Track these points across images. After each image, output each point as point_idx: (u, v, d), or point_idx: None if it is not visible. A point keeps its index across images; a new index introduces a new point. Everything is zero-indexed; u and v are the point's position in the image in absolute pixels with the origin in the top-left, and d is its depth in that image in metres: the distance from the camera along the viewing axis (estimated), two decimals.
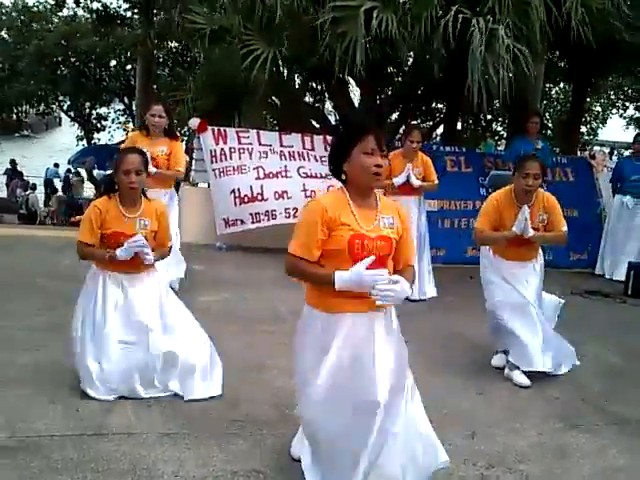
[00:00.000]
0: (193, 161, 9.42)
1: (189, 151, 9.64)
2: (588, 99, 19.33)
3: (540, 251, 4.62)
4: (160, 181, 5.84)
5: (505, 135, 16.10)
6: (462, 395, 4.23)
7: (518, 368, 4.48)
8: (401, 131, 8.59)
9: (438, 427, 3.43)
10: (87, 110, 25.96)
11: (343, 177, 2.82)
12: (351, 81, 10.62)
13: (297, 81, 11.29)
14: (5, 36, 24.63)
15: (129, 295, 3.87)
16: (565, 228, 4.45)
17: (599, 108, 25.36)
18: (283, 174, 8.52)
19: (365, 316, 2.76)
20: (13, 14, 24.56)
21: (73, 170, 19.82)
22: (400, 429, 2.77)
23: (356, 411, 2.69)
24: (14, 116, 23.78)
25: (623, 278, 8.03)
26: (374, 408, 2.67)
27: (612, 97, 24.75)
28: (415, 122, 7.94)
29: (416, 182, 6.42)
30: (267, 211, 8.43)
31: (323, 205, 2.73)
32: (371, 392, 2.69)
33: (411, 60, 9.97)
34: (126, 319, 3.84)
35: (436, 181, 6.67)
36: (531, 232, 4.21)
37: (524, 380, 4.43)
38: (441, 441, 3.09)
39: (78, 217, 15.70)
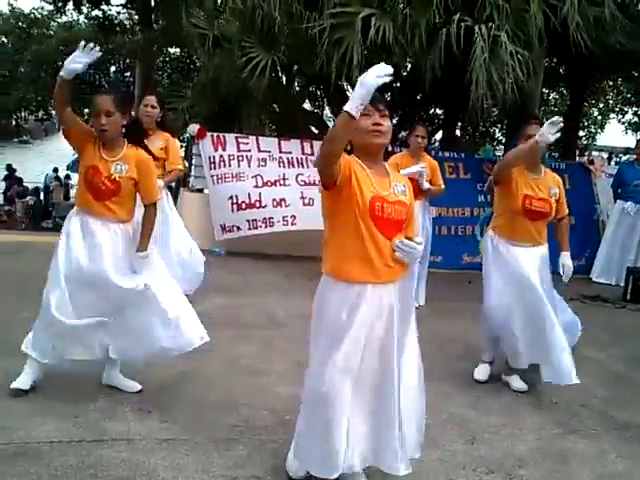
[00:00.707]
0: (192, 167, 9.44)
1: (188, 157, 9.66)
2: (586, 104, 19.39)
3: (546, 249, 4.47)
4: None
5: (504, 140, 16.14)
6: (461, 400, 4.23)
7: (515, 372, 4.46)
8: (399, 136, 8.63)
9: (437, 432, 3.45)
10: (86, 116, 26.00)
11: (348, 147, 2.81)
12: (349, 88, 10.66)
13: (296, 87, 11.32)
14: (4, 40, 24.69)
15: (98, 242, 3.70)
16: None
17: (597, 113, 25.41)
18: (281, 182, 8.54)
19: (384, 288, 2.78)
20: (12, 20, 24.61)
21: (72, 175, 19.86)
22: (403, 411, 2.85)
23: (370, 390, 2.77)
24: (13, 122, 23.76)
25: (622, 283, 8.05)
26: (390, 391, 2.77)
27: (610, 102, 24.80)
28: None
29: (425, 184, 6.15)
30: (265, 218, 8.45)
31: (348, 161, 2.72)
32: (389, 374, 2.78)
33: (409, 66, 10.01)
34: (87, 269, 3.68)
35: (442, 185, 6.53)
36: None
37: (521, 385, 4.42)
38: (440, 446, 3.10)
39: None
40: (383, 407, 2.80)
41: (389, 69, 2.45)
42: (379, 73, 2.44)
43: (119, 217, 3.78)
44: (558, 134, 3.86)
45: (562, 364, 4.15)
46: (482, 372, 4.58)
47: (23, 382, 3.73)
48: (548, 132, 3.84)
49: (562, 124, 3.84)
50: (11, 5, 24.34)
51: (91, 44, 3.49)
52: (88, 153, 3.71)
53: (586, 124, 24.05)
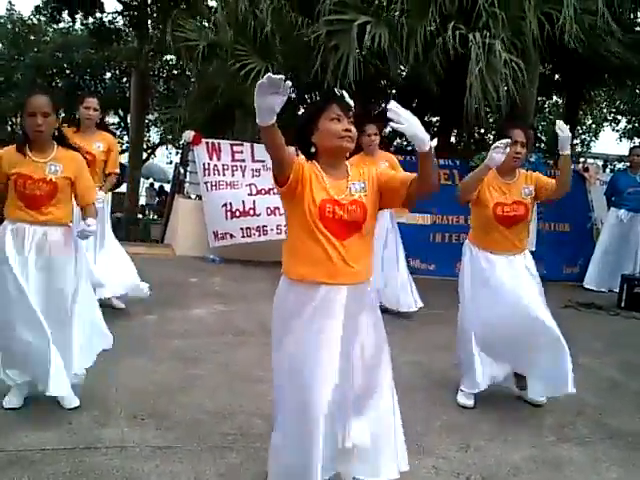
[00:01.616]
0: (187, 173, 9.47)
1: (183, 163, 9.68)
2: (581, 112, 19.43)
3: (529, 255, 4.33)
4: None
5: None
6: (455, 408, 4.23)
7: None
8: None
9: (431, 440, 3.44)
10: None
11: (313, 150, 2.81)
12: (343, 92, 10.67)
13: (291, 94, 11.33)
14: (0, 46, 24.63)
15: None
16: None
17: (591, 121, 25.46)
18: (275, 191, 8.54)
19: (338, 290, 2.75)
20: (8, 26, 24.56)
21: None
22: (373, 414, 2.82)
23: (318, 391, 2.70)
24: (9, 128, 23.70)
25: (616, 290, 8.07)
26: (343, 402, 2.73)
27: (604, 110, 24.86)
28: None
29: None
30: (259, 226, 8.48)
31: (302, 164, 2.74)
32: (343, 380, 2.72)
33: (405, 74, 10.04)
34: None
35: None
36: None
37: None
38: (434, 454, 3.09)
39: None
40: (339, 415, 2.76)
41: None
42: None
43: (60, 221, 3.75)
44: (503, 154, 3.83)
45: (556, 373, 4.08)
46: (466, 398, 4.31)
47: (14, 402, 3.70)
48: (495, 153, 3.83)
49: (505, 145, 3.82)
50: (9, 10, 24.28)
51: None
52: (8, 168, 3.65)
53: (581, 132, 24.10)
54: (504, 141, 3.83)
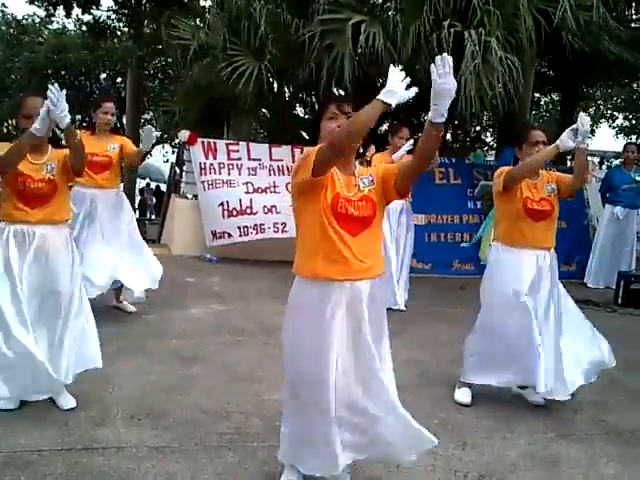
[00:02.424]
0: (183, 173, 9.47)
1: (179, 163, 9.68)
2: (577, 109, 19.44)
3: (555, 255, 4.35)
4: (109, 179, 5.53)
5: (495, 145, 16.18)
6: (452, 405, 4.23)
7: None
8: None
9: None
10: (77, 123, 25.92)
11: None
12: (340, 93, 10.68)
13: (287, 93, 11.33)
14: None
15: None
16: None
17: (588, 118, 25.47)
18: (272, 189, 8.56)
19: (352, 286, 2.77)
20: (2, 27, 24.52)
21: None
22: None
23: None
24: (4, 129, 23.67)
25: (613, 287, 8.07)
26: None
27: (601, 107, 24.90)
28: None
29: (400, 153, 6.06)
30: (256, 225, 8.48)
31: None
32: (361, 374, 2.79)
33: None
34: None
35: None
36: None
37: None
38: (431, 451, 3.07)
39: None
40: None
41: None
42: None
43: (58, 219, 3.76)
44: (574, 141, 3.93)
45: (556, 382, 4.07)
46: (464, 395, 4.32)
47: (10, 404, 3.66)
48: (568, 138, 3.94)
49: (589, 124, 3.91)
50: (2, 11, 24.25)
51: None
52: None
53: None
54: (575, 126, 3.91)
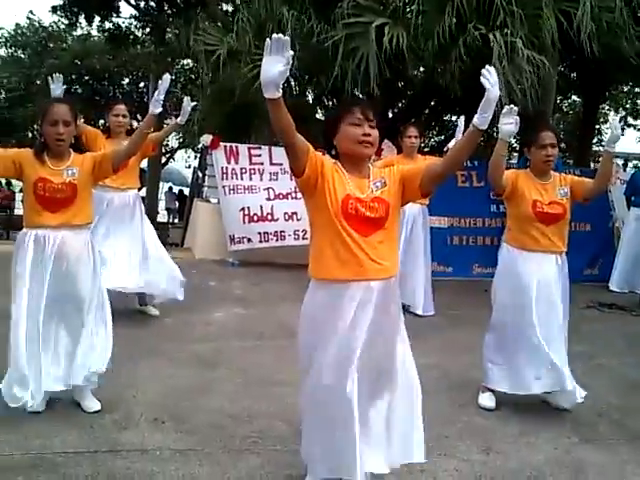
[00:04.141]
0: (206, 177, 9.51)
1: (202, 167, 9.72)
2: (601, 110, 19.29)
3: (565, 258, 4.28)
4: (128, 176, 5.50)
5: (518, 147, 16.07)
6: (476, 410, 4.20)
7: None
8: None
9: (452, 442, 3.41)
10: (100, 127, 26.09)
11: (333, 152, 2.86)
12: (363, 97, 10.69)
13: (310, 98, 11.35)
14: (21, 56, 24.95)
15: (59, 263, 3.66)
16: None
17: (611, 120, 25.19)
18: (293, 195, 8.55)
19: (366, 286, 2.76)
20: (29, 34, 24.87)
21: None
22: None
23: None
24: (29, 134, 23.99)
25: (638, 291, 7.99)
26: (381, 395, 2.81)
27: (628, 107, 24.59)
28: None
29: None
30: (276, 231, 8.50)
31: (322, 158, 2.77)
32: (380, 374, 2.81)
33: (423, 74, 10.01)
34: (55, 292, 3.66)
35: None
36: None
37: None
38: (455, 456, 3.07)
39: None
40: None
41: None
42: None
43: (79, 223, 3.77)
44: (514, 123, 3.77)
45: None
46: (488, 399, 4.31)
47: (36, 406, 3.65)
48: (504, 124, 3.79)
49: (515, 109, 3.77)
50: (29, 19, 24.61)
51: None
52: (29, 170, 3.66)
53: (601, 130, 23.89)
54: (509, 107, 3.78)
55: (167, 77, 4.27)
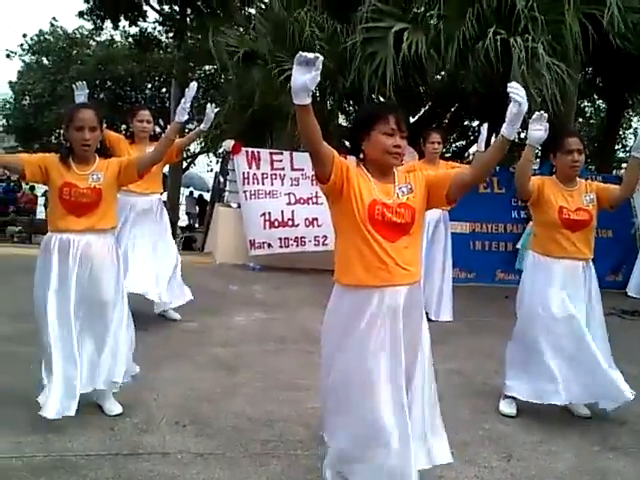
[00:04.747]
0: (227, 182, 9.56)
1: (223, 172, 9.77)
2: (627, 115, 19.07)
3: (592, 265, 4.25)
4: (152, 181, 5.49)
5: (539, 154, 15.98)
6: (496, 416, 4.17)
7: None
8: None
9: (473, 449, 3.40)
10: (123, 132, 26.27)
11: (361, 156, 2.86)
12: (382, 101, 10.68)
13: (330, 102, 11.37)
14: (45, 62, 25.22)
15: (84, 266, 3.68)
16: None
17: (638, 124, 24.91)
18: (314, 200, 8.55)
19: (392, 292, 2.76)
20: (52, 40, 25.13)
21: None
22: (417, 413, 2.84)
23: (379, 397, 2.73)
24: (53, 139, 24.23)
25: None
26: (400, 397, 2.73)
27: None
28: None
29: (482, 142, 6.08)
30: (297, 237, 8.51)
31: (347, 163, 2.77)
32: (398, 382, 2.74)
33: (443, 79, 9.99)
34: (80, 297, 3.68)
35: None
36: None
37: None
38: (476, 463, 3.05)
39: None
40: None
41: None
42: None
43: (104, 227, 3.79)
44: (543, 129, 3.76)
45: (614, 385, 4.02)
46: (508, 406, 4.27)
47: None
48: (534, 130, 3.78)
49: (545, 116, 3.75)
50: (52, 25, 24.86)
51: None
52: (55, 174, 3.69)
53: (625, 136, 23.64)
54: (539, 113, 3.77)
55: (194, 85, 4.28)
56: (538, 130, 3.76)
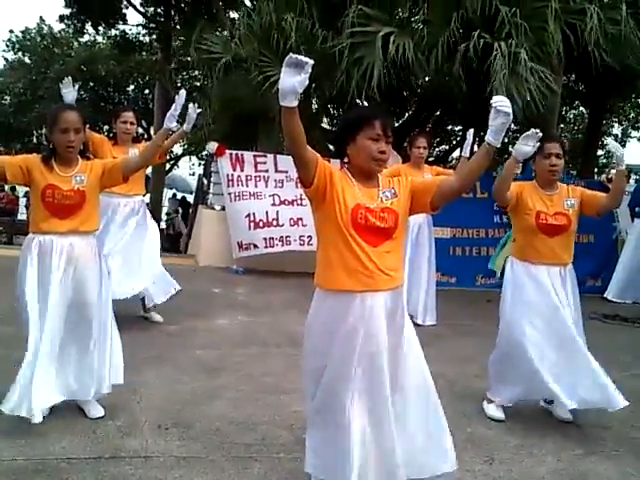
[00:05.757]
0: (211, 184, 9.54)
1: (207, 174, 9.75)
2: (606, 121, 19.25)
3: (572, 269, 4.26)
4: (135, 183, 5.40)
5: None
6: (480, 420, 4.19)
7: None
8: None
9: (456, 451, 3.39)
10: (105, 134, 26.18)
11: (346, 160, 2.85)
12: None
13: (314, 105, 11.38)
14: (27, 61, 25.04)
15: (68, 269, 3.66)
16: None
17: (617, 131, 25.18)
18: (298, 202, 8.56)
19: (373, 296, 2.75)
20: (37, 38, 24.98)
21: None
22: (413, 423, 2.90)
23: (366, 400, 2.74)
24: (34, 139, 24.04)
25: None
26: (384, 402, 2.74)
27: (631, 118, 24.57)
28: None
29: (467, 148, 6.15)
30: (282, 237, 8.51)
31: (330, 167, 2.75)
32: (381, 390, 2.75)
33: (427, 83, 10.04)
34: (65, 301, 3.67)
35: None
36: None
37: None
38: (459, 467, 3.05)
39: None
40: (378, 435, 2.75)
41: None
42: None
43: (87, 230, 3.77)
44: (532, 146, 3.77)
45: (609, 387, 4.00)
46: (496, 410, 4.28)
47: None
48: (523, 144, 3.77)
49: (539, 135, 3.75)
50: (39, 24, 24.71)
51: None
52: (37, 176, 3.65)
53: (606, 142, 23.89)
54: (534, 130, 3.76)
55: (183, 93, 4.31)
56: (527, 146, 3.76)
